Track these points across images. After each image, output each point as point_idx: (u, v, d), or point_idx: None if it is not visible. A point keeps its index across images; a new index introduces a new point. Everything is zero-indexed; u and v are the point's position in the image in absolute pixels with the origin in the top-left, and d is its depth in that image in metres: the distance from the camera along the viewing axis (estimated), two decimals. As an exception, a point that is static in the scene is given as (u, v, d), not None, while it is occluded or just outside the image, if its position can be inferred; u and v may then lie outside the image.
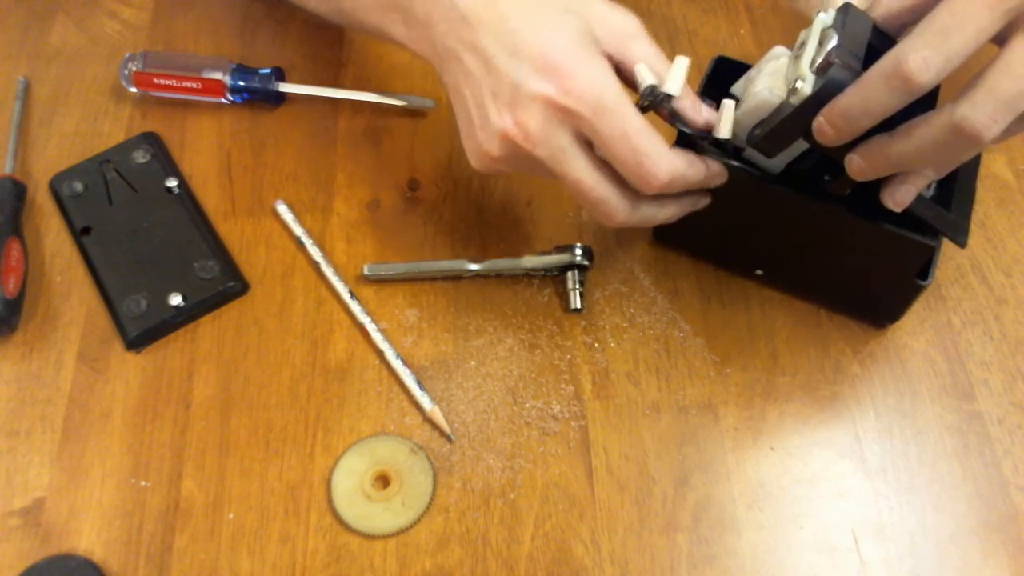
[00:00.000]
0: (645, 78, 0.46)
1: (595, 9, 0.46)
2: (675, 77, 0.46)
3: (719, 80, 0.52)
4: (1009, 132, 0.40)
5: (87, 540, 0.50)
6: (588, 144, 0.46)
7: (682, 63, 0.47)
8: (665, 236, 0.59)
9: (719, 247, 0.57)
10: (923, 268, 0.49)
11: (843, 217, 0.48)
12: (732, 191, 0.50)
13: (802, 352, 0.56)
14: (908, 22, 0.44)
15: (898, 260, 0.49)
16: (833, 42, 0.42)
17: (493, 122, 0.46)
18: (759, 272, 0.57)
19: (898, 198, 0.44)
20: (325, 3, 0.59)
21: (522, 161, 0.47)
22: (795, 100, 0.43)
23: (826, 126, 0.42)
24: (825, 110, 0.42)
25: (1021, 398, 0.54)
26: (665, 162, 0.44)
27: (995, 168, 0.62)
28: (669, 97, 0.46)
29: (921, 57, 0.37)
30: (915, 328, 0.56)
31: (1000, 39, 0.39)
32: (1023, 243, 0.59)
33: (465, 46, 0.46)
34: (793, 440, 0.53)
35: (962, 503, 0.51)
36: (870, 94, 0.39)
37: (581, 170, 0.46)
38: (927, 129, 0.40)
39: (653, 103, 0.46)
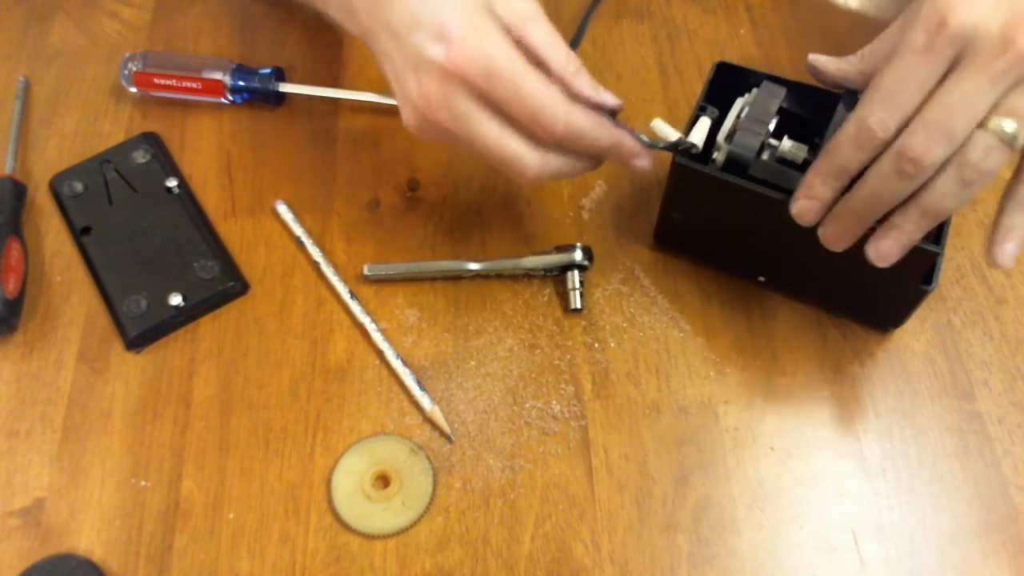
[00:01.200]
0: (669, 135, 0.50)
1: None
2: (699, 133, 0.51)
3: (720, 84, 0.53)
4: (965, 186, 0.43)
5: (87, 540, 0.50)
6: (493, 105, 0.47)
7: (706, 124, 0.52)
8: (667, 240, 0.59)
9: (721, 253, 0.57)
10: (927, 273, 0.49)
11: None
12: (736, 202, 0.50)
13: (802, 352, 0.56)
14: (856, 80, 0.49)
15: (902, 266, 0.49)
16: (744, 111, 0.50)
17: (406, 93, 0.48)
18: (761, 279, 0.57)
19: (881, 250, 0.45)
20: None
21: (437, 130, 0.48)
22: (714, 168, 0.50)
23: (806, 200, 0.46)
24: (800, 191, 0.46)
25: (1021, 398, 0.54)
26: (562, 114, 0.46)
27: (995, 168, 0.62)
28: (693, 145, 0.50)
29: (878, 119, 0.42)
30: (915, 328, 0.56)
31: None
32: (1023, 243, 0.59)
33: (380, 25, 0.48)
34: (793, 440, 0.53)
35: (962, 503, 0.51)
36: (842, 155, 0.44)
37: (485, 133, 0.47)
38: (878, 167, 0.43)
39: (677, 150, 0.51)
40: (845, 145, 0.44)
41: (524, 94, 0.45)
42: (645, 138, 0.50)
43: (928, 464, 0.52)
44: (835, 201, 0.46)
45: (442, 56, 0.45)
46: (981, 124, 0.41)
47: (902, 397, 0.54)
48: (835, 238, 0.46)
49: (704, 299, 0.58)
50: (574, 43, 0.68)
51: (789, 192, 0.48)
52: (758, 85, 0.51)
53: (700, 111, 0.52)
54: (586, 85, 0.48)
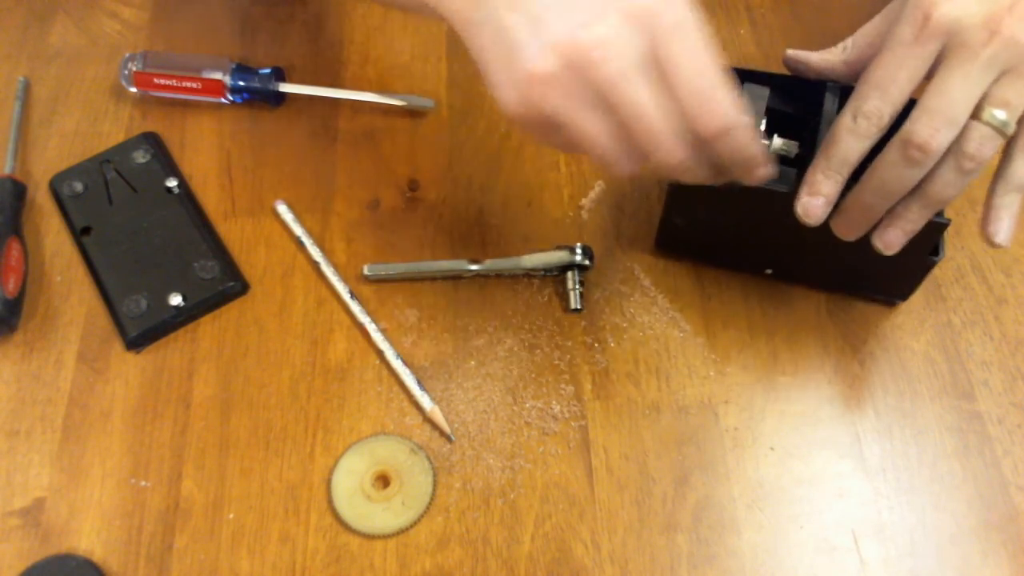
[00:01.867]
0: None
1: None
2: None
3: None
4: (963, 174, 0.44)
5: (87, 540, 0.50)
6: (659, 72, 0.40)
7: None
8: (669, 246, 0.59)
9: (726, 252, 0.57)
10: (934, 244, 0.51)
11: None
12: (739, 203, 0.51)
13: (802, 352, 0.56)
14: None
15: (913, 241, 0.49)
16: None
17: (552, 29, 0.39)
18: (768, 272, 0.57)
19: (887, 240, 0.47)
20: None
21: (578, 87, 0.40)
22: None
23: (810, 197, 0.46)
24: (803, 189, 0.46)
25: (1021, 398, 0.54)
26: (731, 103, 0.40)
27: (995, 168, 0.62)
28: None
29: (873, 107, 0.43)
30: (915, 328, 0.56)
31: (931, 73, 0.44)
32: (1023, 243, 0.59)
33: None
34: (793, 440, 0.53)
35: (962, 503, 0.51)
36: (841, 147, 0.45)
37: (649, 98, 0.40)
38: (884, 157, 0.44)
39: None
40: (843, 136, 0.44)
41: (707, 62, 0.40)
42: None
43: (928, 464, 0.52)
44: (839, 195, 0.46)
45: (569, 34, 0.38)
46: (975, 115, 0.43)
47: (902, 397, 0.54)
48: (846, 230, 0.48)
49: (704, 299, 0.58)
50: None
51: (786, 186, 0.48)
52: (740, 85, 0.51)
53: None
54: (727, 157, 0.42)
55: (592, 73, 0.39)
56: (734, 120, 0.40)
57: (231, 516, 0.51)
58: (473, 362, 0.56)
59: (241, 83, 0.64)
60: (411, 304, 0.58)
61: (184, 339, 0.57)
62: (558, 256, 0.57)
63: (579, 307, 0.56)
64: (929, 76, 0.44)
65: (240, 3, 0.71)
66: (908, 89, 0.44)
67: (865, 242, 0.48)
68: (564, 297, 0.57)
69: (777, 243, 0.54)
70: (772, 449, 0.53)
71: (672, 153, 0.41)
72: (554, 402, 0.54)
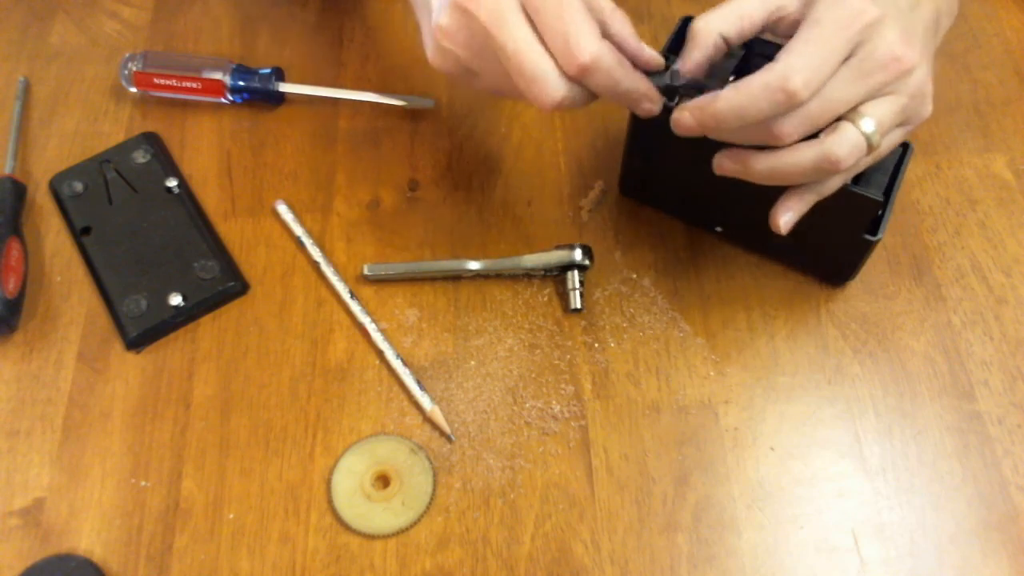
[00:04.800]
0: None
1: None
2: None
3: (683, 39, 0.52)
4: (815, 162, 0.45)
5: (87, 540, 0.50)
6: (530, 10, 0.46)
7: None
8: (631, 190, 0.60)
9: (682, 202, 0.59)
10: (872, 224, 0.51)
11: None
12: (689, 146, 0.49)
13: (802, 352, 0.56)
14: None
15: (847, 215, 0.51)
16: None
17: (431, 24, 0.48)
18: (719, 229, 0.58)
19: (721, 162, 0.48)
20: None
21: (469, 35, 0.47)
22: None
23: (687, 114, 0.46)
24: (693, 103, 0.46)
25: (1021, 398, 0.54)
26: (592, 43, 0.45)
27: (995, 168, 0.62)
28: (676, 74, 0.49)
29: (804, 80, 0.43)
30: (915, 328, 0.56)
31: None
32: (1023, 243, 0.59)
33: None
34: (793, 440, 0.53)
35: (962, 503, 0.51)
36: (752, 104, 0.44)
37: (521, 39, 0.45)
38: (753, 80, 0.44)
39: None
40: (758, 95, 0.44)
41: (564, 10, 0.44)
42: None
43: (928, 464, 0.52)
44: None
45: None
46: (850, 118, 0.44)
47: (902, 397, 0.54)
48: (685, 125, 0.47)
49: (704, 299, 0.58)
50: None
51: None
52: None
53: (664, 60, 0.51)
54: (630, 36, 0.47)
55: (474, 22, 0.46)
56: (594, 58, 0.44)
57: (231, 516, 0.51)
58: (473, 362, 0.56)
59: (241, 83, 0.64)
60: (411, 304, 0.58)
61: (184, 339, 0.57)
62: (558, 256, 0.57)
63: (579, 307, 0.56)
64: None
65: (240, 3, 0.71)
66: (830, 73, 0.44)
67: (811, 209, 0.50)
68: (564, 297, 0.57)
69: (725, 199, 0.55)
70: (772, 449, 0.53)
71: (548, 90, 0.46)
72: (554, 402, 0.54)
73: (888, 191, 0.51)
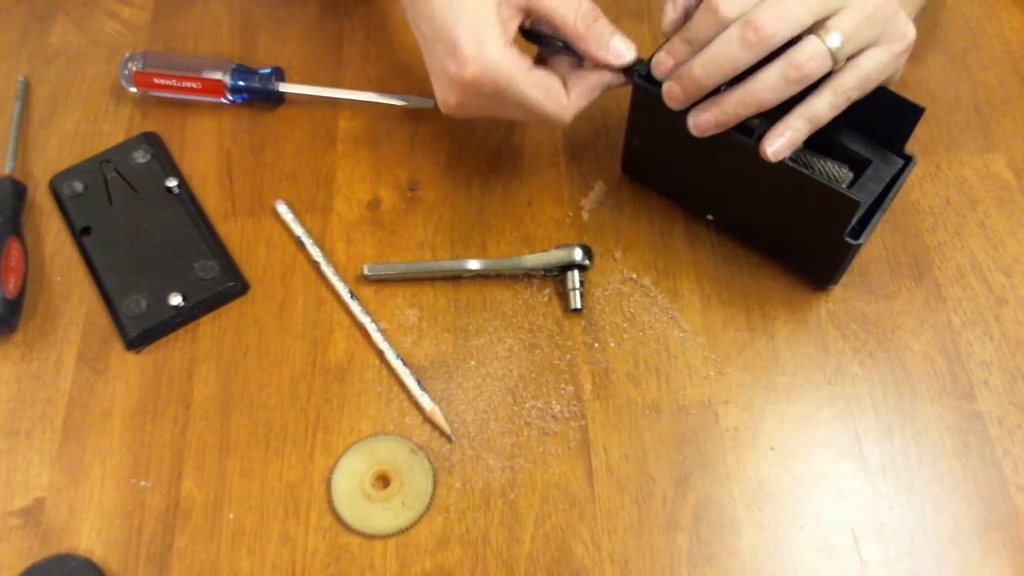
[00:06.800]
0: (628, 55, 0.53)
1: None
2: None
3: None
4: (785, 82, 0.47)
5: (87, 540, 0.50)
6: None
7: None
8: (631, 169, 0.61)
9: (678, 187, 0.59)
10: (855, 228, 0.52)
11: (782, 165, 0.50)
12: (685, 127, 0.51)
13: (802, 352, 0.56)
14: None
15: (827, 213, 0.51)
16: None
17: (438, 92, 0.54)
18: (710, 217, 0.59)
19: (700, 121, 0.50)
20: None
21: (469, 115, 0.54)
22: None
23: (664, 56, 0.50)
24: (663, 47, 0.50)
25: (1021, 398, 0.54)
26: (566, 111, 0.53)
27: (995, 168, 0.62)
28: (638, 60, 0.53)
29: (773, 19, 0.45)
30: (915, 328, 0.56)
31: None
32: (1023, 243, 0.59)
33: (416, 28, 0.54)
34: (793, 440, 0.53)
35: (962, 503, 0.51)
36: (696, 26, 0.48)
37: (512, 113, 0.53)
38: (724, 34, 0.47)
39: (634, 73, 0.53)
40: (699, 16, 0.48)
41: (528, 105, 0.51)
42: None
43: (928, 464, 0.52)
44: (682, 62, 0.49)
45: (455, 73, 0.50)
46: (812, 30, 0.46)
47: (902, 397, 0.54)
48: (672, 94, 0.50)
49: (704, 299, 0.58)
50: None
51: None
52: None
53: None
54: (596, 44, 0.52)
55: (465, 113, 0.54)
56: (574, 113, 0.54)
57: (231, 516, 0.51)
58: (473, 362, 0.56)
59: (241, 83, 0.64)
60: (411, 304, 0.58)
61: (184, 339, 0.57)
62: (558, 256, 0.57)
63: (579, 307, 0.56)
64: None
65: (240, 3, 0.71)
66: (803, 19, 0.46)
67: (789, 206, 0.51)
68: (564, 297, 0.57)
69: (717, 185, 0.56)
70: (772, 449, 0.53)
71: (560, 123, 0.54)
72: (554, 402, 0.54)
73: (879, 199, 0.52)
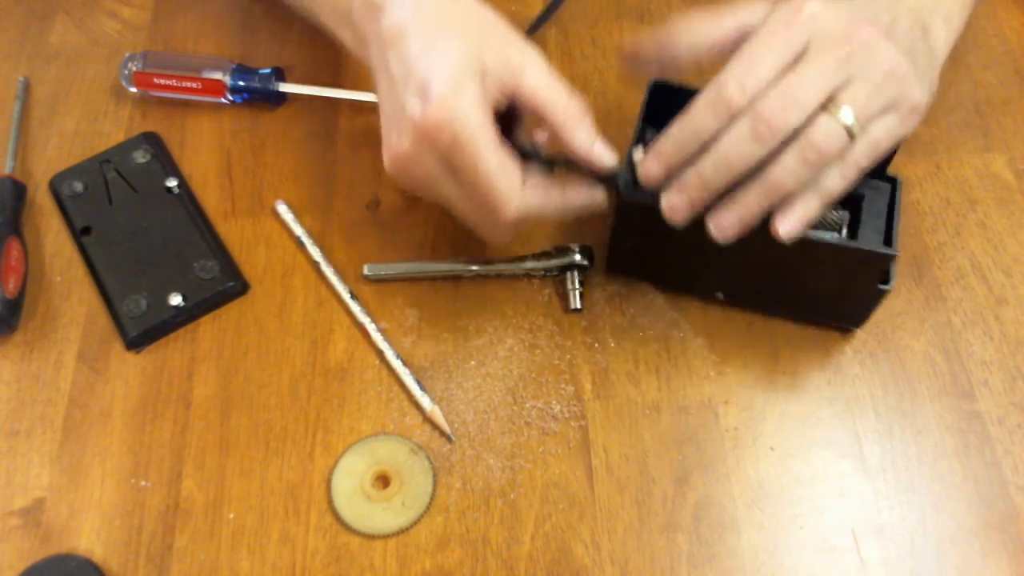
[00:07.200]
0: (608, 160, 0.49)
1: (493, 40, 0.48)
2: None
3: (657, 104, 0.52)
4: (805, 165, 0.44)
5: (87, 540, 0.50)
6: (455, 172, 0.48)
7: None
8: (621, 268, 0.57)
9: (676, 275, 0.56)
10: (884, 273, 0.50)
11: (801, 240, 0.47)
12: (686, 226, 0.48)
13: (802, 352, 0.56)
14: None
15: (860, 271, 0.49)
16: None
17: (387, 141, 0.48)
18: (720, 295, 0.56)
19: (722, 223, 0.46)
20: None
21: (410, 182, 0.49)
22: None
23: (653, 162, 0.47)
24: (650, 152, 0.47)
25: (1021, 398, 0.54)
26: (515, 199, 0.47)
27: (995, 168, 0.62)
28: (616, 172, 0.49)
29: (737, 83, 0.44)
30: (915, 328, 0.56)
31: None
32: (1023, 243, 0.59)
33: (382, 65, 0.49)
34: (793, 440, 0.53)
35: (962, 503, 0.51)
36: (697, 120, 0.45)
37: (449, 197, 0.49)
38: (732, 130, 0.44)
39: (616, 183, 0.49)
40: (700, 110, 0.45)
41: (480, 173, 0.46)
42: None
43: (928, 464, 0.52)
44: (679, 167, 0.46)
45: (418, 114, 0.45)
46: (825, 108, 0.44)
47: (902, 397, 0.54)
48: (681, 207, 0.46)
49: (704, 299, 0.58)
50: (536, 25, 0.68)
51: None
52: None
53: (640, 137, 0.51)
54: (580, 140, 0.48)
55: (410, 174, 0.48)
56: (522, 208, 0.47)
57: (231, 516, 0.51)
58: (473, 362, 0.56)
59: (241, 83, 0.64)
60: (411, 304, 0.58)
61: (184, 339, 0.57)
62: (558, 256, 0.57)
63: (579, 307, 0.56)
64: None
65: (240, 3, 0.71)
66: (770, 76, 0.44)
67: (818, 270, 0.48)
68: (564, 297, 0.57)
69: (726, 266, 0.53)
70: (772, 449, 0.53)
71: (493, 238, 0.51)
72: (554, 402, 0.54)
73: (889, 235, 0.50)
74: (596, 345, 0.56)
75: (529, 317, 0.57)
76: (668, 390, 0.55)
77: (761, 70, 0.44)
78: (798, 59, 0.44)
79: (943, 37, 0.51)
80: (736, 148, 0.44)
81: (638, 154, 0.48)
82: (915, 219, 0.60)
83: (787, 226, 0.46)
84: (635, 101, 0.65)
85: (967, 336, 0.56)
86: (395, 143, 0.47)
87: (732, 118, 0.44)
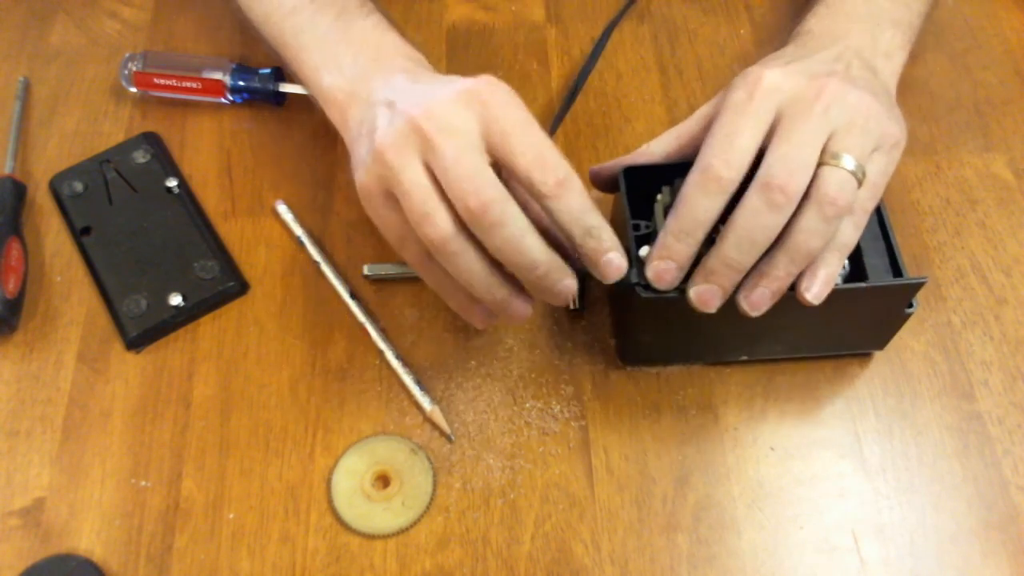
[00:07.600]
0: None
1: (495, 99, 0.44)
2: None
3: (634, 187, 0.51)
4: (826, 221, 0.44)
5: (87, 540, 0.50)
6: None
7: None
8: (638, 359, 0.55)
9: (699, 352, 0.55)
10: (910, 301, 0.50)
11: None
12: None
13: (802, 352, 0.56)
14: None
15: (889, 304, 0.49)
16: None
17: (358, 155, 0.47)
18: (744, 358, 0.55)
19: (754, 300, 0.45)
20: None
21: (384, 186, 0.47)
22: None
23: (661, 261, 0.45)
24: (653, 252, 0.45)
25: (1021, 398, 0.54)
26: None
27: (995, 168, 0.62)
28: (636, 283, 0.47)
29: (721, 160, 0.44)
30: (915, 328, 0.56)
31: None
32: (1023, 243, 0.59)
33: (381, 102, 0.47)
34: (793, 440, 0.53)
35: (962, 503, 0.51)
36: (692, 206, 0.44)
37: (387, 227, 0.48)
38: (744, 204, 0.43)
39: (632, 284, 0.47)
40: (693, 195, 0.44)
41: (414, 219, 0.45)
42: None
43: (928, 464, 0.52)
44: (692, 259, 0.45)
45: (415, 113, 0.44)
46: (824, 163, 0.44)
47: (902, 397, 0.54)
48: (709, 296, 0.45)
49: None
50: (595, 54, 0.67)
51: None
52: (669, 183, 0.49)
53: (635, 235, 0.49)
54: (590, 248, 0.45)
55: (389, 170, 0.46)
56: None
57: (231, 516, 0.51)
58: (473, 362, 0.56)
59: (241, 83, 0.64)
60: (411, 304, 0.58)
61: (184, 339, 0.57)
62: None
63: (579, 307, 0.56)
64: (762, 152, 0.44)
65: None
66: (751, 146, 0.44)
67: (841, 308, 0.47)
68: (564, 297, 0.57)
69: (750, 331, 0.51)
70: (772, 449, 0.53)
71: (472, 316, 0.48)
72: (554, 402, 0.54)
73: (894, 259, 0.49)
74: (596, 345, 0.56)
75: (529, 317, 0.57)
76: (668, 390, 0.55)
77: (739, 143, 0.44)
78: (773, 128, 0.44)
79: (889, 73, 0.51)
80: (756, 222, 0.43)
81: (644, 251, 0.47)
82: (915, 219, 0.60)
83: (814, 291, 0.45)
84: (635, 100, 0.66)
85: (967, 336, 0.56)
86: (379, 139, 0.45)
87: (725, 195, 0.44)
